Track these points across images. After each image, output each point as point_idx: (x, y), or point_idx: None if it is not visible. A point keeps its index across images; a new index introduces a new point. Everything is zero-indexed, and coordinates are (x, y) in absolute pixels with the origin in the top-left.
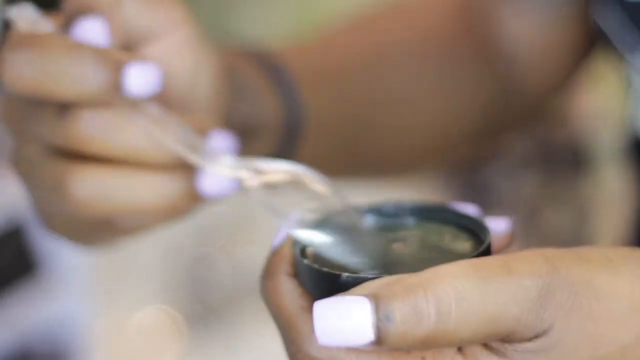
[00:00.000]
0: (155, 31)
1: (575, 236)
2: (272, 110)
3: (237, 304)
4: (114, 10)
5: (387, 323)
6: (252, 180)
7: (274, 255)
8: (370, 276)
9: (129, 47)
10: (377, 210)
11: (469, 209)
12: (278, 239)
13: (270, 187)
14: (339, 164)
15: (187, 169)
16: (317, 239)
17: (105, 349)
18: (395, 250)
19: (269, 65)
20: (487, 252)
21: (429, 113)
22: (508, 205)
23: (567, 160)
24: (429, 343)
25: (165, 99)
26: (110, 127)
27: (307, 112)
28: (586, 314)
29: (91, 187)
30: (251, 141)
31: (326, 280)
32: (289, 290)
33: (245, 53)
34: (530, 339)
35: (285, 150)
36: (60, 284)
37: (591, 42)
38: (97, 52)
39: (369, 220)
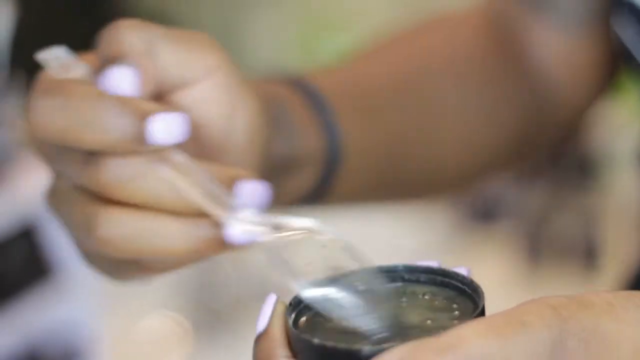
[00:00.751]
0: (188, 78)
1: (584, 244)
2: (314, 140)
3: (243, 310)
4: (146, 59)
5: None
6: (267, 237)
7: (264, 340)
8: (390, 346)
9: (162, 93)
10: (365, 275)
11: (461, 270)
12: (261, 321)
13: (286, 244)
14: (374, 188)
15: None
16: (314, 303)
17: (112, 353)
18: (390, 314)
19: (308, 93)
20: (483, 312)
21: (467, 133)
22: (517, 215)
23: (576, 169)
24: None
25: (201, 145)
26: (135, 175)
27: (345, 140)
28: (596, 359)
29: (117, 230)
30: (293, 173)
31: (344, 357)
32: None
33: (283, 81)
34: None
35: (325, 180)
36: (70, 288)
37: (618, 55)
38: (122, 103)
39: (356, 288)
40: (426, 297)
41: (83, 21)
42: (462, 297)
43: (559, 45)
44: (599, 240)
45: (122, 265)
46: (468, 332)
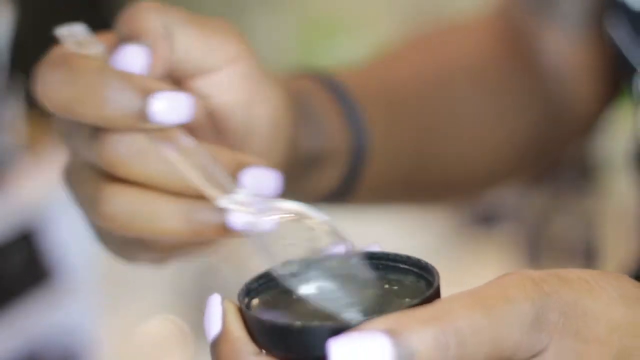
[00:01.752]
0: (208, 65)
1: (583, 247)
2: (341, 136)
3: None
4: (161, 40)
5: (411, 357)
6: (260, 221)
7: (224, 343)
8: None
9: (181, 79)
10: (322, 261)
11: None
12: (213, 324)
13: (274, 227)
14: (400, 188)
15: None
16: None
17: (112, 356)
18: (354, 296)
19: (335, 89)
20: (438, 291)
21: (487, 136)
22: (517, 217)
23: (575, 172)
24: None
25: (222, 135)
26: (136, 152)
27: (372, 137)
28: (575, 333)
29: (118, 206)
30: (319, 169)
31: (331, 334)
32: None
33: (311, 76)
34: (528, 359)
35: (352, 177)
36: (69, 291)
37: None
38: (124, 78)
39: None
40: (383, 280)
41: (83, 23)
42: (414, 277)
43: (567, 50)
44: (598, 243)
45: (129, 245)
46: (455, 305)
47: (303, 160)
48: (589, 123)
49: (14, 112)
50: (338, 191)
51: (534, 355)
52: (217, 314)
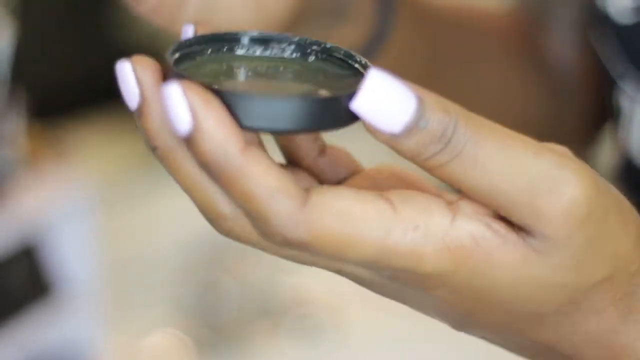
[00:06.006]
0: None
1: None
2: (369, 10)
3: (245, 327)
4: None
5: (418, 127)
6: None
7: (203, 143)
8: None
9: None
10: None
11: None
12: (178, 115)
13: None
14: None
15: None
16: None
17: None
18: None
19: None
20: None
21: (493, 93)
22: None
23: None
24: (434, 171)
25: None
26: None
27: (394, 33)
28: (589, 239)
29: None
30: (339, 25)
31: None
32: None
33: None
34: (522, 229)
35: (372, 46)
36: (71, 307)
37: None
38: None
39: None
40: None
41: (82, 39)
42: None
43: (569, 54)
44: None
45: None
46: (498, 128)
47: (324, 7)
48: (589, 127)
49: (14, 126)
50: None
51: (529, 232)
52: (180, 101)
